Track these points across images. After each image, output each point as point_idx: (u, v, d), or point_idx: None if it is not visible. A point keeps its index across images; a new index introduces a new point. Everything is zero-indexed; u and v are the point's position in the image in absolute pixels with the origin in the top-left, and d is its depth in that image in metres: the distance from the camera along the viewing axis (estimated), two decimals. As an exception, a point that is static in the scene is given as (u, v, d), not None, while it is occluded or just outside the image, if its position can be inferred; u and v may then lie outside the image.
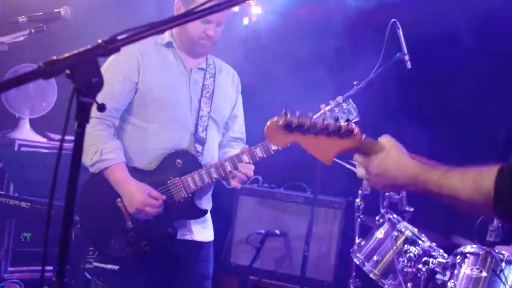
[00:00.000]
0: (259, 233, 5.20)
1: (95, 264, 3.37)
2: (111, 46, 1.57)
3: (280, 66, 6.12)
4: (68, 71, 1.51)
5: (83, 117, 1.56)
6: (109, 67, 3.35)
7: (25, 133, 6.19)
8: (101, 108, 1.62)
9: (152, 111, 3.32)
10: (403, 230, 4.34)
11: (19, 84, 1.48)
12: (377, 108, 5.37)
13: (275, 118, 1.97)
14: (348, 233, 5.18)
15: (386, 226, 4.43)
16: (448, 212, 5.32)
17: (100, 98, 3.27)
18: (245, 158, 3.26)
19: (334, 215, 5.33)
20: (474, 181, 1.85)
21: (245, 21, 7.44)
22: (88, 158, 3.28)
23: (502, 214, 1.83)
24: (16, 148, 5.96)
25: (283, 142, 1.99)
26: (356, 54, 5.70)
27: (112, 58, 3.33)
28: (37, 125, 6.37)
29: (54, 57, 1.51)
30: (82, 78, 1.53)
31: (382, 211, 4.50)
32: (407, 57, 4.63)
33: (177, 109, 3.34)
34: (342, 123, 1.97)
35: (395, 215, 4.47)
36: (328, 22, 6.07)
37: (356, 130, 1.98)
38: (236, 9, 7.50)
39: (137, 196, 3.20)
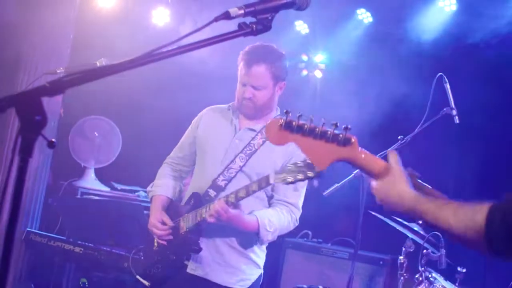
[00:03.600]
0: (301, 288, 5.15)
1: (137, 277, 3.77)
2: (55, 87, 1.68)
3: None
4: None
5: (27, 152, 1.66)
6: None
7: (90, 182, 6.48)
8: (51, 145, 1.73)
9: (198, 159, 3.85)
10: (440, 289, 4.21)
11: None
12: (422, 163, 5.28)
13: (277, 117, 2.01)
14: (392, 291, 5.06)
15: (424, 285, 4.31)
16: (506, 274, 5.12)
17: (174, 148, 3.94)
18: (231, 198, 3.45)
19: (379, 272, 5.23)
20: (466, 216, 1.85)
21: (311, 76, 7.57)
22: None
23: (494, 250, 1.81)
24: (78, 196, 6.24)
25: (281, 140, 1.99)
26: (402, 109, 5.68)
27: None
28: (102, 175, 6.66)
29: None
30: (26, 116, 1.65)
31: (421, 269, 4.39)
32: (454, 112, 4.57)
33: (210, 158, 3.72)
34: (341, 131, 1.96)
35: (433, 274, 4.34)
36: (377, 76, 6.10)
37: (354, 140, 1.96)
38: (302, 65, 7.66)
39: (151, 219, 3.73)
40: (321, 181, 3.45)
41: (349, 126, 1.96)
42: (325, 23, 6.95)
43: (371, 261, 5.31)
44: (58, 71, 3.75)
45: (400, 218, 4.71)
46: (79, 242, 5.37)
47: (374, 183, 2.05)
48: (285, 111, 1.98)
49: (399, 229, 4.72)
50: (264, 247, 3.76)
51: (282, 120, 1.97)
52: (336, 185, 4.52)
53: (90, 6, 6.56)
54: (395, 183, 2.01)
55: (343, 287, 5.11)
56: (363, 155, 2.00)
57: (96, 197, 6.15)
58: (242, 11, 1.91)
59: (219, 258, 3.62)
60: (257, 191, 3.37)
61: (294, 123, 1.96)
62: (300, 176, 3.13)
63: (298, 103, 6.97)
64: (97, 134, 6.49)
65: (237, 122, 3.74)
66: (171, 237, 3.66)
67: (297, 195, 3.66)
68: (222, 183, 3.61)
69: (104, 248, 5.19)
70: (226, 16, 1.90)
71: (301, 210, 3.68)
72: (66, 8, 5.99)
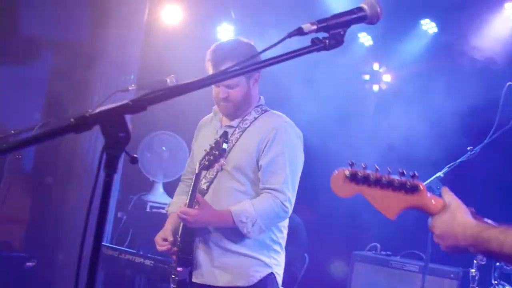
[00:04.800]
0: (370, 300, 5.12)
1: None
2: (137, 105, 1.74)
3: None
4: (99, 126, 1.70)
5: (111, 168, 1.73)
6: None
7: (158, 196, 6.61)
8: (134, 160, 1.79)
9: None
10: (514, 302, 4.12)
11: (50, 138, 1.68)
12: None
13: (341, 169, 1.98)
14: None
15: (497, 298, 4.23)
16: None
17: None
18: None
19: (450, 286, 5.14)
20: None
21: (375, 87, 7.55)
22: None
23: None
24: (148, 210, 6.36)
25: (348, 192, 1.98)
26: (469, 119, 5.60)
27: None
28: (170, 189, 6.77)
29: (85, 113, 1.70)
30: (110, 133, 1.71)
31: (494, 282, 4.31)
32: (524, 122, 4.48)
33: (196, 163, 3.65)
34: (408, 179, 1.95)
35: (507, 287, 4.26)
36: (443, 87, 6.04)
37: (422, 187, 1.95)
38: (367, 77, 7.64)
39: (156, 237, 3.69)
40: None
41: (416, 174, 1.96)
42: (389, 34, 6.92)
43: (442, 274, 5.23)
44: (130, 88, 3.82)
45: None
46: (149, 255, 5.46)
47: (431, 220, 2.00)
48: (349, 162, 1.97)
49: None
50: (276, 247, 3.59)
51: (348, 172, 1.97)
52: (405, 197, 4.47)
53: (157, 23, 6.72)
54: (455, 214, 1.97)
55: (413, 301, 5.07)
56: (433, 201, 1.98)
57: (165, 211, 6.25)
58: (315, 27, 1.93)
59: (216, 261, 3.54)
60: (195, 184, 3.43)
61: (359, 173, 1.96)
62: (211, 157, 3.32)
63: (362, 114, 6.96)
64: (164, 149, 6.62)
65: (218, 124, 3.72)
66: (174, 249, 3.59)
67: (281, 179, 3.49)
68: (204, 186, 3.59)
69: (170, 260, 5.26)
70: (299, 32, 1.92)
71: (288, 194, 3.49)
72: (134, 27, 6.17)
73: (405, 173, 1.94)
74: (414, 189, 1.94)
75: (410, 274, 5.34)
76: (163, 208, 6.40)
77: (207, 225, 3.50)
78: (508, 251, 1.85)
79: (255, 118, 3.65)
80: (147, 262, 5.45)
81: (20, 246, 6.39)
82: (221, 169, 3.55)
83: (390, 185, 1.94)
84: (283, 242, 3.66)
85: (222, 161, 3.39)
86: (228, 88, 3.56)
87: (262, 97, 3.74)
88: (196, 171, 3.43)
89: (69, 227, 6.02)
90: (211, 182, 3.59)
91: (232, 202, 3.50)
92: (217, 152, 3.34)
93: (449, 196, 2.01)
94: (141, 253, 5.54)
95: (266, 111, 3.69)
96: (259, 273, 3.53)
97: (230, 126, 3.65)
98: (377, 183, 1.95)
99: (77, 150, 6.04)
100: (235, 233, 3.48)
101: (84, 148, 5.98)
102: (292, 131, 3.63)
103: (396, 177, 1.95)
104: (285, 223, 3.66)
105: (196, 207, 3.43)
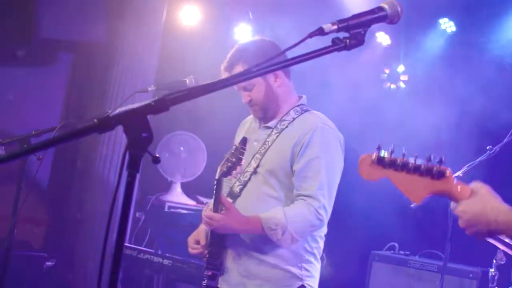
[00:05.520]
0: (389, 300, 5.11)
1: None
2: (160, 105, 1.76)
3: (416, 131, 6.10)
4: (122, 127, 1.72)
5: (134, 168, 1.74)
6: None
7: (176, 196, 6.64)
8: (156, 160, 1.80)
9: None
10: (534, 303, 4.09)
11: (74, 139, 1.71)
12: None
13: (369, 153, 2.01)
14: (483, 304, 4.94)
15: (517, 298, 4.20)
16: None
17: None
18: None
19: (469, 286, 5.12)
20: None
21: (393, 87, 7.52)
22: None
23: None
24: (166, 209, 6.39)
25: (375, 176, 2.00)
26: (489, 118, 5.56)
27: None
28: (188, 189, 6.80)
29: (108, 114, 1.72)
30: (133, 133, 1.73)
31: (514, 282, 4.29)
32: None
33: None
34: (435, 164, 1.96)
35: (528, 287, 4.23)
36: (462, 86, 6.01)
37: (448, 172, 1.95)
38: (385, 76, 7.62)
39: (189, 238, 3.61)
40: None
41: (443, 159, 1.96)
42: (407, 34, 6.89)
43: (461, 274, 5.21)
44: (149, 89, 3.79)
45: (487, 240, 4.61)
46: (167, 254, 5.49)
47: (458, 205, 1.99)
48: (377, 147, 1.98)
49: (489, 241, 4.61)
50: (310, 257, 3.41)
51: (375, 155, 1.98)
52: (424, 196, 4.45)
53: (175, 24, 6.74)
54: (487, 200, 1.96)
55: (432, 301, 5.05)
56: (459, 187, 1.98)
57: (183, 211, 6.28)
58: (335, 27, 1.93)
59: (245, 271, 3.39)
60: (218, 190, 3.32)
61: (387, 158, 1.98)
62: (229, 164, 3.26)
63: (381, 115, 6.93)
64: (183, 149, 6.64)
65: (257, 125, 3.60)
66: (205, 252, 3.46)
67: (315, 185, 3.30)
68: (237, 189, 3.46)
69: (193, 261, 5.28)
70: (320, 32, 1.93)
71: (323, 201, 3.29)
72: (152, 28, 6.20)
73: (432, 158, 1.96)
74: (440, 175, 1.95)
75: (429, 273, 5.33)
76: (181, 208, 6.43)
77: (234, 232, 3.35)
78: None
79: (293, 119, 3.50)
80: (166, 261, 5.48)
81: (39, 246, 6.44)
82: (255, 172, 3.43)
83: (416, 170, 1.95)
84: (318, 253, 3.48)
85: (238, 169, 3.32)
86: (246, 91, 3.48)
87: (304, 96, 3.61)
88: (216, 176, 3.33)
89: (89, 227, 6.07)
90: (245, 185, 3.45)
91: (263, 207, 3.35)
92: (234, 159, 3.27)
93: (477, 183, 2.02)
94: (159, 252, 5.57)
95: (306, 111, 3.53)
96: (289, 287, 3.39)
97: (268, 127, 3.52)
98: (404, 167, 1.96)
99: (95, 153, 6.08)
100: (266, 241, 3.32)
101: (102, 151, 6.03)
102: (331, 133, 3.46)
103: (423, 162, 1.96)
104: (322, 232, 3.48)
105: (222, 211, 3.29)
